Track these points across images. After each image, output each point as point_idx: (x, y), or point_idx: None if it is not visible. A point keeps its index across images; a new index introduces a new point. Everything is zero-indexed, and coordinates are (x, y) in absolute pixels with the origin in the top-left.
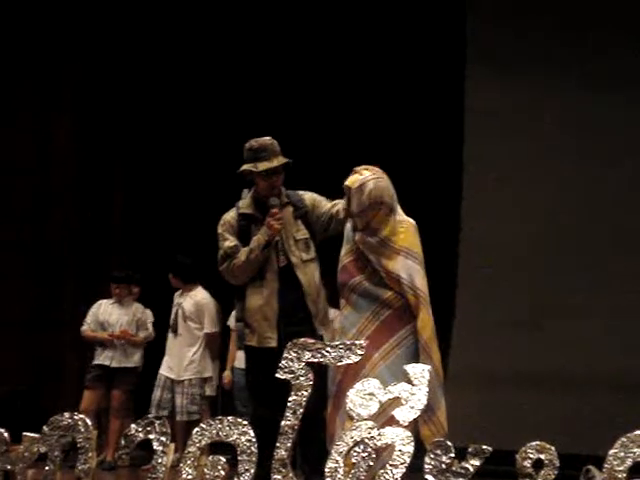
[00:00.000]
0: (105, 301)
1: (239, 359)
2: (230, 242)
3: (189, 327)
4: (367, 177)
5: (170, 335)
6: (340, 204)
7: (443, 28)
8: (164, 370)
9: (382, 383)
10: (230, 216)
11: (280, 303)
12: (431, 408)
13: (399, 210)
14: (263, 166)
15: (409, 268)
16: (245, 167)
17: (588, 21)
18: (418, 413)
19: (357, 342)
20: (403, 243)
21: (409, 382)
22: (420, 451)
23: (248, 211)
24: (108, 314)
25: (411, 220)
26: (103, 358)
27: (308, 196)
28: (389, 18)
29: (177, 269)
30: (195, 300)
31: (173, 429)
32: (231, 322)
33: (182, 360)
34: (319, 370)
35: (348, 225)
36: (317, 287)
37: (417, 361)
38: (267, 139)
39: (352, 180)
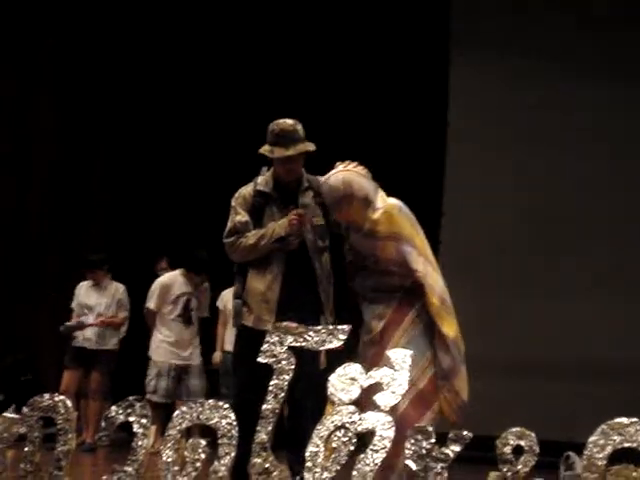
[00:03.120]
0: (85, 283)
1: (230, 342)
2: (242, 217)
3: (196, 316)
4: (335, 171)
5: (180, 325)
6: None
7: (428, 16)
8: (173, 358)
9: None
10: (246, 191)
11: (284, 288)
12: (446, 376)
13: (380, 198)
14: (279, 153)
15: (401, 252)
16: (262, 150)
17: (571, 10)
18: (399, 398)
19: (339, 327)
20: (389, 229)
21: (390, 367)
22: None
23: (265, 189)
24: (87, 297)
25: (394, 202)
26: (82, 340)
27: None
28: (376, 6)
29: (199, 265)
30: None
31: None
32: (220, 303)
33: (193, 346)
34: (302, 358)
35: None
36: (329, 276)
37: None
38: (289, 124)
39: (324, 177)
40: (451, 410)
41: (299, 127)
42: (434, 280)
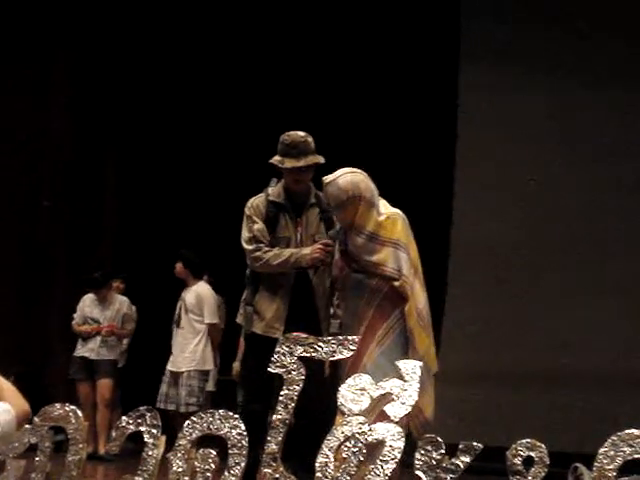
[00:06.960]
0: (90, 296)
1: None
2: (259, 225)
3: (190, 319)
4: (341, 172)
5: (174, 329)
6: None
7: (437, 24)
8: (169, 365)
9: (379, 370)
10: (259, 201)
11: (293, 300)
12: None
13: (383, 204)
14: (289, 163)
15: (398, 258)
16: (273, 160)
17: (581, 18)
18: (409, 409)
19: (350, 337)
20: (391, 235)
21: (400, 378)
22: (409, 447)
23: (278, 200)
24: (91, 311)
25: (398, 211)
26: (85, 350)
27: None
28: (384, 13)
29: (188, 262)
30: (196, 292)
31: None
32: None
33: (183, 352)
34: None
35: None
36: (327, 293)
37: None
38: (300, 135)
39: (327, 176)
40: (414, 425)
41: (310, 139)
42: (417, 293)
